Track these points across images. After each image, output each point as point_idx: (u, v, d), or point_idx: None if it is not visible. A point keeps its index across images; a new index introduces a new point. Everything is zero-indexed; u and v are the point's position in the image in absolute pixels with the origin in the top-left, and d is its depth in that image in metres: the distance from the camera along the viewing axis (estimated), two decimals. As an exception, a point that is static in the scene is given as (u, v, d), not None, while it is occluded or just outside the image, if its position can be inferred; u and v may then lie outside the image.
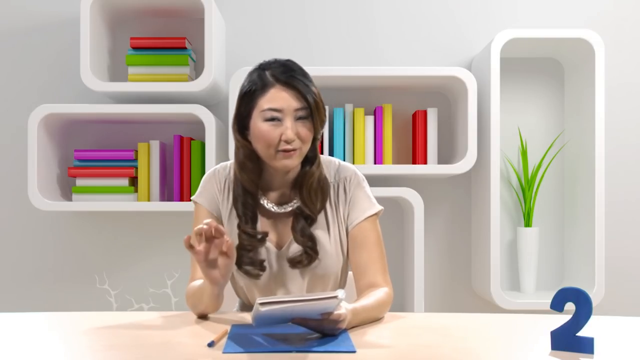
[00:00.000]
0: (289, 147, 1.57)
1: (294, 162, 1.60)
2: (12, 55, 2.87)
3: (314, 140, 1.65)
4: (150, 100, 2.77)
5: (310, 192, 1.65)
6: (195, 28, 2.85)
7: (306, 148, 1.62)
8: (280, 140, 1.57)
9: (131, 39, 2.66)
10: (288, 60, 1.62)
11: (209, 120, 2.58)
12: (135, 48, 2.66)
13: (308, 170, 1.66)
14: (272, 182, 1.68)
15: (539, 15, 2.89)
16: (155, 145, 2.71)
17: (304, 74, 1.60)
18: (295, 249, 1.65)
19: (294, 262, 1.64)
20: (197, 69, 2.83)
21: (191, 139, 2.73)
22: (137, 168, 2.70)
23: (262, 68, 1.62)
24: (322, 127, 1.63)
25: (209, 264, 1.47)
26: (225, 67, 2.85)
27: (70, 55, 2.86)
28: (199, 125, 2.84)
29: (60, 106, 2.58)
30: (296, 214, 1.66)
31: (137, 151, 2.71)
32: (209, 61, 2.56)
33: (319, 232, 1.66)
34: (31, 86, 2.87)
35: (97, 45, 2.65)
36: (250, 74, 1.63)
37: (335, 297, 1.25)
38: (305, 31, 2.89)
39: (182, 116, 2.66)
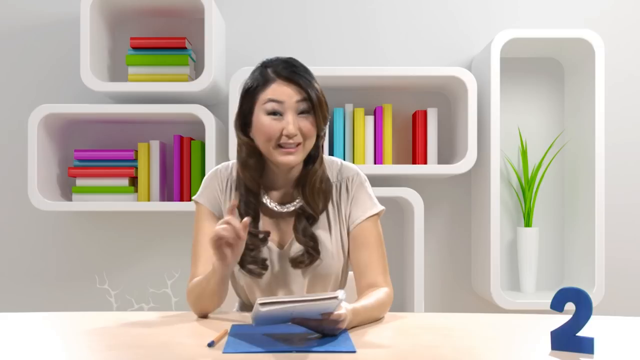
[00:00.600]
0: (290, 141, 1.57)
1: (296, 159, 1.59)
2: (12, 55, 2.87)
3: (318, 138, 1.65)
4: (150, 100, 2.77)
5: (313, 191, 1.65)
6: (195, 28, 2.85)
7: (309, 144, 1.61)
8: (281, 134, 1.57)
9: (131, 39, 2.66)
10: (290, 58, 1.63)
11: (209, 120, 2.58)
12: (135, 48, 2.66)
13: (311, 169, 1.66)
14: (274, 181, 1.68)
15: (539, 15, 2.89)
16: (155, 145, 2.71)
17: (306, 70, 1.61)
18: (296, 248, 1.65)
19: (296, 262, 1.64)
20: (197, 69, 2.83)
21: (191, 139, 2.73)
22: (137, 168, 2.70)
23: (264, 65, 1.63)
24: (325, 124, 1.63)
25: (224, 243, 1.47)
26: (225, 67, 2.84)
27: (70, 55, 2.86)
28: (199, 125, 2.84)
29: (60, 106, 2.58)
30: (298, 214, 1.66)
31: (137, 151, 2.71)
32: (209, 61, 2.56)
33: (320, 232, 1.67)
34: (31, 86, 2.87)
35: (97, 45, 2.65)
36: (253, 72, 1.64)
37: (336, 297, 1.25)
38: (305, 31, 2.89)
39: (182, 116, 2.66)
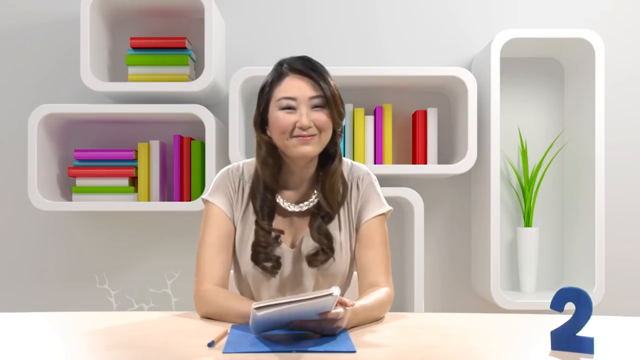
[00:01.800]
0: (304, 133, 1.58)
1: (313, 149, 1.60)
2: (12, 55, 2.87)
3: (335, 135, 1.65)
4: (150, 100, 2.77)
5: (333, 189, 1.66)
6: (195, 28, 2.85)
7: (325, 137, 1.62)
8: (294, 127, 1.58)
9: (131, 39, 2.66)
10: (305, 55, 1.65)
11: (209, 120, 2.58)
12: (135, 48, 2.66)
13: (331, 166, 1.67)
14: (289, 181, 1.69)
15: (539, 15, 2.89)
16: (155, 145, 2.71)
17: (321, 66, 1.63)
18: (308, 245, 1.66)
19: (311, 260, 1.64)
20: (197, 69, 2.83)
21: (191, 139, 2.73)
22: (137, 168, 2.70)
23: (279, 63, 1.65)
24: (341, 119, 1.64)
25: None
26: (225, 67, 2.84)
27: (70, 55, 2.86)
28: (199, 125, 2.84)
29: (60, 106, 2.58)
30: (314, 213, 1.66)
31: (137, 151, 2.71)
32: (209, 61, 2.56)
33: (331, 230, 1.67)
34: (31, 86, 2.87)
35: (97, 45, 2.65)
36: (270, 71, 1.66)
37: (331, 294, 1.25)
38: (305, 31, 2.89)
39: (182, 116, 2.66)
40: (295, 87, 1.59)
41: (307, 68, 1.61)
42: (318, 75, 1.60)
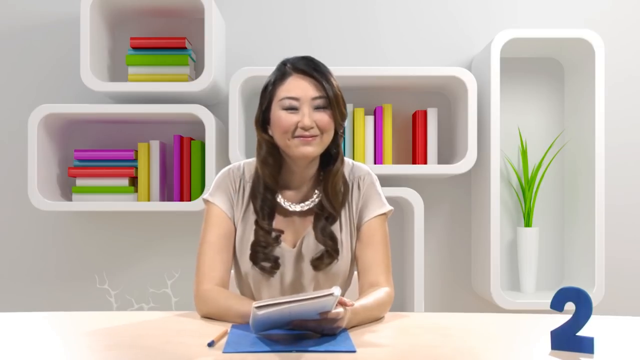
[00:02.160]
0: (306, 133, 1.58)
1: (315, 150, 1.60)
2: (12, 55, 2.87)
3: (337, 136, 1.66)
4: (150, 100, 2.76)
5: (335, 190, 1.66)
6: (195, 28, 2.85)
7: (327, 138, 1.62)
8: (296, 127, 1.58)
9: (131, 39, 2.66)
10: (309, 56, 1.65)
11: (209, 120, 2.58)
12: (135, 48, 2.66)
13: (333, 167, 1.67)
14: (290, 180, 1.68)
15: (539, 15, 2.89)
16: (155, 145, 2.71)
17: (324, 66, 1.64)
18: (309, 245, 1.65)
19: (316, 264, 1.64)
20: (197, 69, 2.83)
21: (191, 139, 2.73)
22: (137, 168, 2.70)
23: (283, 62, 1.66)
24: (343, 120, 1.64)
25: None
26: (225, 67, 2.84)
27: (70, 55, 2.86)
28: (199, 125, 2.84)
29: (60, 106, 2.58)
30: (317, 214, 1.66)
31: (137, 151, 2.71)
32: (209, 61, 2.56)
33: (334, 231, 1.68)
34: (31, 86, 2.87)
35: (97, 45, 2.65)
36: (274, 70, 1.66)
37: (331, 294, 1.25)
38: (305, 31, 2.89)
39: (182, 116, 2.66)
40: (298, 87, 1.59)
41: (311, 68, 1.61)
42: (321, 76, 1.61)
